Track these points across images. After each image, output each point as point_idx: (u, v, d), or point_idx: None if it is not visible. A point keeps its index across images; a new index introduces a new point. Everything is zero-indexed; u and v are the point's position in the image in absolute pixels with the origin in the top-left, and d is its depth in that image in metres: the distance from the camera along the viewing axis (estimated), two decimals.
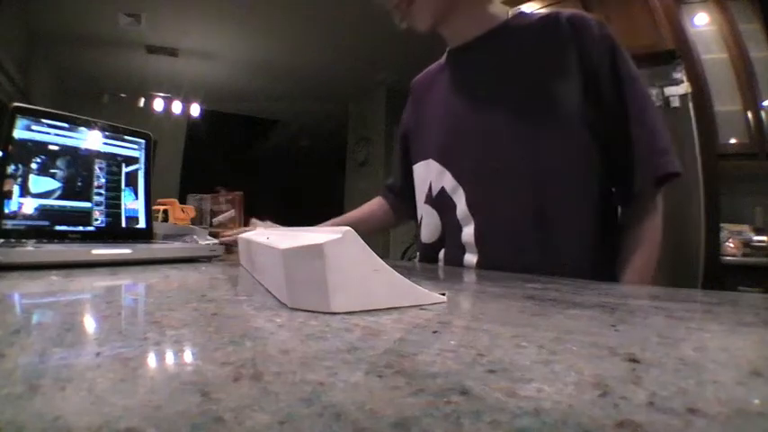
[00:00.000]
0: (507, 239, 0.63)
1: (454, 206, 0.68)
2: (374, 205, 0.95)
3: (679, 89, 1.80)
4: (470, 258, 0.66)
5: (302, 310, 0.26)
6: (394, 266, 0.27)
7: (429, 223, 0.74)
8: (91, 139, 0.59)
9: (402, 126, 0.90)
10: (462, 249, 0.68)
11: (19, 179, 0.51)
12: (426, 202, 0.75)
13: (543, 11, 0.69)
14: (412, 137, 0.84)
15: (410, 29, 0.71)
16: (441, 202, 0.71)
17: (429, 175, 0.73)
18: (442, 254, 0.73)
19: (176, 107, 4.30)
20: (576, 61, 0.61)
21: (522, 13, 0.71)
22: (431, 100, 0.78)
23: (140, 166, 0.65)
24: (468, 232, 0.66)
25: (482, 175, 0.66)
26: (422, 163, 0.77)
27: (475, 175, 0.67)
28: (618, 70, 0.61)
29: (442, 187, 0.70)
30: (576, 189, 0.62)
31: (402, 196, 0.89)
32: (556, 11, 0.65)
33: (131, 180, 0.63)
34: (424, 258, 0.77)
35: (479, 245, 0.65)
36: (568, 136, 0.61)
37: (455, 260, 0.69)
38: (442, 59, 0.80)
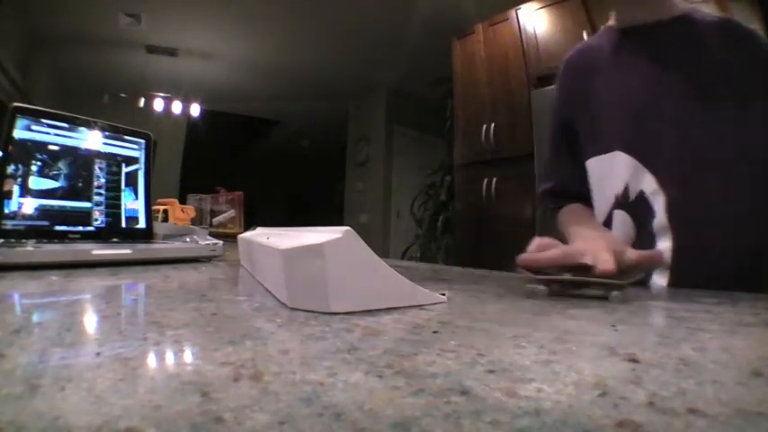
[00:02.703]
0: (714, 262, 0.53)
1: (653, 214, 0.57)
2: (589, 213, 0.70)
3: None
4: (659, 280, 0.55)
5: (302, 310, 0.26)
6: (394, 266, 0.27)
7: (623, 233, 0.61)
8: (91, 139, 0.59)
9: (561, 112, 0.74)
10: None
11: (19, 179, 0.51)
12: (618, 206, 0.61)
13: (715, 13, 0.63)
14: (581, 125, 0.70)
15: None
16: (638, 207, 0.59)
17: (620, 171, 0.61)
18: None
19: (176, 107, 4.30)
20: (765, 74, 0.58)
21: (695, 10, 0.64)
22: (603, 81, 0.67)
23: (140, 166, 0.65)
24: (663, 248, 0.55)
25: (690, 177, 0.56)
26: (604, 156, 0.64)
27: (680, 175, 0.56)
28: None
29: (641, 190, 0.59)
30: None
31: (585, 203, 0.70)
32: (733, 19, 0.62)
33: (131, 180, 0.63)
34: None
35: (676, 264, 0.54)
36: None
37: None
38: (602, 37, 0.71)
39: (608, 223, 0.63)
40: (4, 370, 0.15)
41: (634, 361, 0.17)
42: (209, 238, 0.66)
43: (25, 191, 0.52)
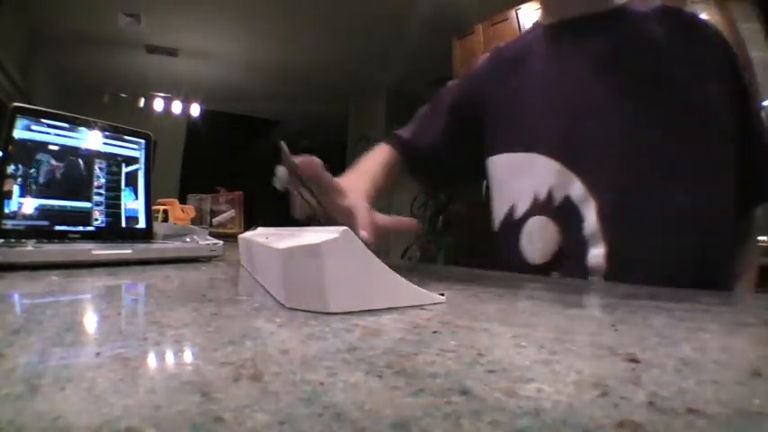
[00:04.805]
0: (651, 268, 0.50)
1: (581, 220, 0.55)
2: (387, 165, 0.72)
3: None
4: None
5: (302, 311, 0.26)
6: (394, 267, 0.27)
7: (544, 238, 0.59)
8: (91, 139, 0.59)
9: (466, 92, 0.72)
10: (585, 272, 0.55)
11: (19, 179, 0.51)
12: (539, 211, 0.59)
13: (659, 2, 0.61)
14: (491, 116, 0.67)
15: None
16: (564, 213, 0.57)
17: (541, 175, 0.59)
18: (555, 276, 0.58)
19: (176, 107, 4.31)
20: (710, 63, 0.56)
21: (633, 1, 0.61)
22: (529, 78, 0.64)
23: (140, 166, 0.65)
24: (596, 254, 0.54)
25: (624, 186, 0.54)
26: (518, 155, 0.62)
27: (613, 184, 0.54)
28: (744, 83, 0.58)
29: (567, 196, 0.57)
30: (728, 208, 0.55)
31: (425, 163, 0.73)
32: (678, 7, 0.58)
33: (131, 180, 0.63)
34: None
35: (612, 271, 0.53)
36: (721, 141, 0.55)
37: None
38: (532, 32, 0.69)
39: (518, 227, 0.61)
40: (4, 370, 0.15)
41: (634, 361, 0.17)
42: (209, 238, 0.66)
43: (25, 191, 0.52)
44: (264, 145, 6.56)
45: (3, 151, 0.50)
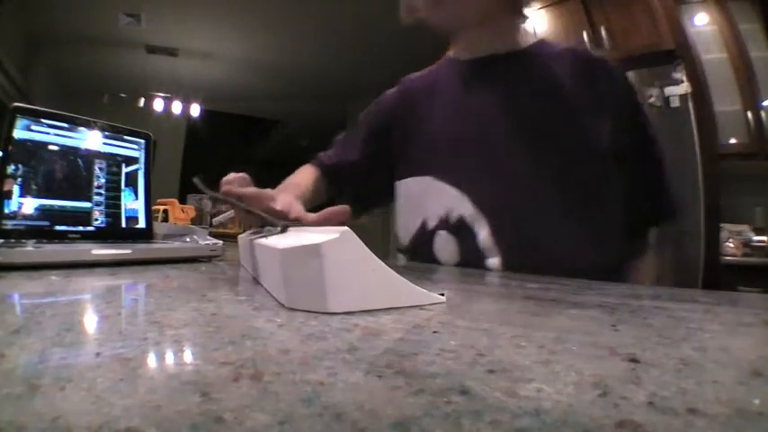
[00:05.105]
0: (540, 272, 0.56)
1: (474, 235, 0.63)
2: (311, 180, 0.79)
3: (679, 89, 1.80)
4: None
5: (302, 311, 0.26)
6: (393, 267, 0.27)
7: (449, 250, 0.68)
8: (91, 139, 0.59)
9: (384, 115, 0.79)
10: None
11: (19, 179, 0.51)
12: (443, 228, 0.67)
13: (564, 44, 0.71)
14: (401, 143, 0.76)
15: (419, 24, 0.67)
16: (460, 229, 0.65)
17: (438, 196, 0.67)
18: None
19: (176, 107, 4.30)
20: (606, 100, 0.63)
21: (543, 42, 0.70)
22: (432, 110, 0.72)
23: (140, 166, 0.65)
24: (493, 263, 0.62)
25: (509, 205, 0.62)
26: (418, 179, 0.70)
27: (500, 204, 0.62)
28: (640, 117, 0.68)
29: (461, 215, 0.65)
30: (608, 222, 0.62)
31: (347, 184, 0.79)
32: (581, 48, 0.66)
33: (131, 180, 0.63)
34: None
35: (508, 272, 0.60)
36: (598, 168, 0.62)
37: None
38: (442, 66, 0.76)
39: (431, 238, 0.69)
40: (4, 370, 0.15)
41: (634, 361, 0.17)
42: (209, 238, 0.66)
43: (25, 191, 0.52)
44: (264, 145, 6.56)
45: (3, 151, 0.50)
